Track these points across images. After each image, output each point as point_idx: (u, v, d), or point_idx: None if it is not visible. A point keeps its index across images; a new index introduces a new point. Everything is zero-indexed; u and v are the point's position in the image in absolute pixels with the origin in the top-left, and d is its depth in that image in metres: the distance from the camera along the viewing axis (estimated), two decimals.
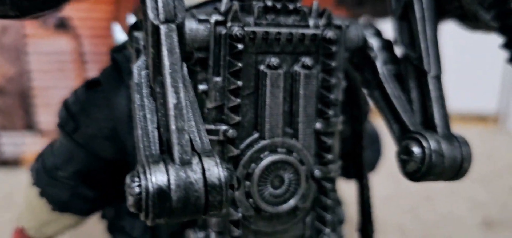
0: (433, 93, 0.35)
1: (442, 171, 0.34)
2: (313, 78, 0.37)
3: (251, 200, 0.37)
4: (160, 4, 0.28)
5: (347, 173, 0.52)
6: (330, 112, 0.38)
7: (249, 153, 0.36)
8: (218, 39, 0.34)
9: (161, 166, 0.26)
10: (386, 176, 1.14)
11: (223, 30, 0.34)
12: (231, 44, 0.34)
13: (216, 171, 0.27)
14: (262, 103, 0.36)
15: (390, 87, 0.38)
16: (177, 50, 0.28)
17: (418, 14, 0.36)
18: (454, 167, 0.34)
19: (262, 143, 0.36)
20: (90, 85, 0.42)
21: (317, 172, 0.38)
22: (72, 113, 0.41)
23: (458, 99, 1.63)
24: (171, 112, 0.27)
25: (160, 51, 0.28)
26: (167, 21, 0.28)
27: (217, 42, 0.34)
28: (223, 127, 0.35)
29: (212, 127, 0.35)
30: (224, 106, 0.35)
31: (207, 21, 0.34)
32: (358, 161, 0.46)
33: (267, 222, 0.38)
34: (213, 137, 0.35)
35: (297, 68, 0.37)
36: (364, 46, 0.40)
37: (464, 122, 1.58)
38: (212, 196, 0.27)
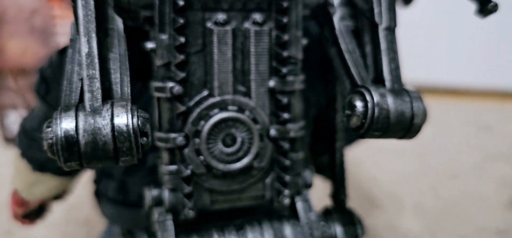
0: (383, 46, 0.33)
1: (388, 127, 0.32)
2: (265, 35, 0.36)
3: (201, 157, 0.36)
4: None
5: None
6: (285, 70, 0.37)
7: (198, 110, 0.36)
8: None
9: (72, 113, 0.27)
10: (410, 154, 1.10)
11: None
12: (175, 1, 0.34)
13: (124, 117, 0.27)
14: (210, 60, 0.36)
15: (345, 43, 0.36)
16: (92, 2, 0.28)
17: None
18: (403, 123, 0.32)
19: (212, 100, 0.36)
20: (62, 51, 0.43)
21: (272, 131, 0.38)
22: (45, 78, 0.43)
23: (493, 76, 1.55)
24: (83, 61, 0.28)
25: (76, 3, 0.28)
26: None
27: (161, 0, 0.34)
28: (170, 84, 0.35)
29: (160, 84, 0.35)
30: (171, 64, 0.35)
31: None
32: (331, 124, 0.44)
33: (221, 180, 0.38)
34: (162, 95, 0.35)
35: (247, 25, 0.36)
36: (325, 2, 0.38)
37: (499, 98, 1.50)
38: (119, 142, 0.27)
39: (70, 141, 0.26)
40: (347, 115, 0.33)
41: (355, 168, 1.07)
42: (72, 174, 0.48)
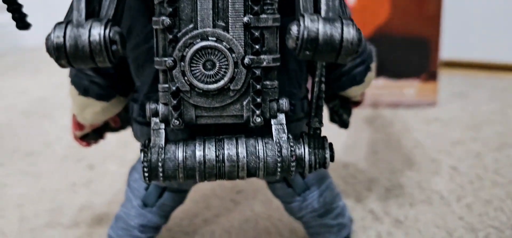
0: None
1: (317, 47, 0.38)
2: None
3: (185, 78, 0.45)
4: None
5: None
6: (257, 8, 0.44)
7: (184, 39, 0.44)
8: None
9: (62, 25, 0.37)
10: (463, 125, 1.09)
11: None
12: None
13: (98, 29, 0.37)
14: (195, 0, 0.44)
15: None
16: None
17: None
18: (332, 45, 0.38)
19: (195, 32, 0.44)
20: None
21: (246, 60, 0.45)
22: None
23: None
24: None
25: None
26: None
27: None
28: (162, 18, 0.44)
29: (156, 18, 0.44)
30: (163, 2, 0.44)
31: None
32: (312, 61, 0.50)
33: (203, 98, 0.46)
34: (157, 27, 0.44)
35: None
36: None
37: None
38: (93, 46, 0.36)
39: (59, 45, 0.37)
40: (286, 38, 0.39)
41: (403, 133, 1.09)
42: (108, 99, 0.59)
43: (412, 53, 1.21)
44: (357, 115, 1.22)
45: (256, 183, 0.89)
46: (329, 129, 1.08)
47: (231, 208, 0.83)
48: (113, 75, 0.56)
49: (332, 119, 0.67)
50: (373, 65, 0.60)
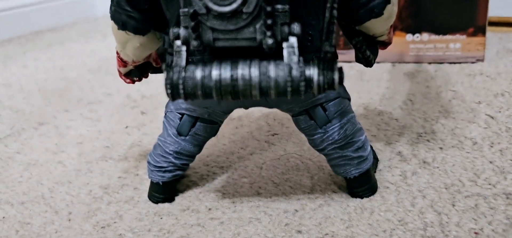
0: None
1: None
2: None
3: (202, 1, 0.47)
4: None
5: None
6: None
7: None
8: None
9: None
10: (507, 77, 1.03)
11: None
12: None
13: None
14: None
15: None
16: None
17: None
18: None
19: None
20: None
21: None
22: None
23: None
24: None
25: None
26: None
27: None
28: None
29: None
30: None
31: None
32: None
33: (219, 20, 0.48)
34: None
35: None
36: None
37: None
38: None
39: None
40: None
41: (444, 86, 1.06)
42: (144, 33, 0.63)
43: (458, 6, 1.16)
44: (399, 69, 1.20)
45: (291, 127, 0.91)
46: (367, 82, 1.08)
47: (265, 148, 0.85)
48: (147, 10, 0.60)
49: (357, 58, 0.67)
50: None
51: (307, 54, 0.53)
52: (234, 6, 0.47)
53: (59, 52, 1.70)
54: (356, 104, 0.99)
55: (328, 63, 0.50)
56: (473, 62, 1.18)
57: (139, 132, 0.97)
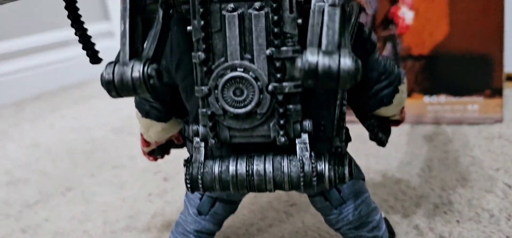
0: (325, 18, 0.43)
1: (318, 77, 0.42)
2: (262, 17, 0.49)
3: (219, 103, 0.51)
4: None
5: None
6: (277, 42, 0.49)
7: (217, 70, 0.51)
8: None
9: (112, 65, 0.45)
10: None
11: None
12: None
13: (138, 67, 0.44)
14: (224, 36, 0.50)
15: (312, 18, 0.46)
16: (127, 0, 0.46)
17: None
18: (330, 75, 0.41)
19: (226, 64, 0.50)
20: None
21: (270, 87, 0.50)
22: None
23: None
24: (121, 33, 0.45)
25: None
26: None
27: None
28: (199, 53, 0.51)
29: (195, 54, 0.51)
30: (200, 39, 0.51)
31: None
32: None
33: (235, 120, 0.52)
34: (196, 60, 0.51)
35: (250, 10, 0.49)
36: None
37: None
38: (134, 80, 0.44)
39: (109, 80, 0.45)
40: (299, 70, 0.44)
41: (462, 150, 1.06)
42: (167, 119, 0.67)
43: (474, 69, 1.18)
44: (417, 131, 1.21)
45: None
46: (388, 146, 1.09)
47: (284, 219, 0.87)
48: (169, 101, 0.64)
49: (371, 138, 0.70)
50: (403, 87, 0.62)
51: (320, 143, 0.56)
52: (248, 108, 0.51)
53: (85, 109, 1.77)
54: (374, 170, 1.01)
55: (339, 158, 0.53)
56: (491, 123, 1.19)
57: (161, 200, 1.01)
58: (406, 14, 1.18)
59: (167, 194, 1.03)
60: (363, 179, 0.68)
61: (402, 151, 1.10)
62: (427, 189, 0.91)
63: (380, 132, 0.68)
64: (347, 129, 0.65)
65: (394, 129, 1.24)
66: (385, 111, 0.64)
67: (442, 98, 1.22)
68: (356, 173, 0.67)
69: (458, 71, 1.19)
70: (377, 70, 0.60)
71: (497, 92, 1.18)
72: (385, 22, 1.20)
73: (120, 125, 1.55)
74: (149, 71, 0.45)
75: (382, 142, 0.69)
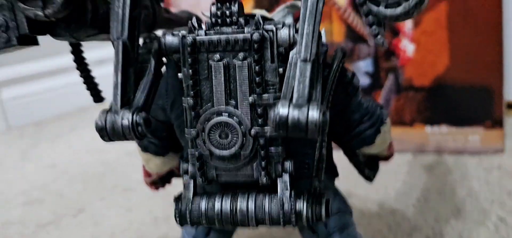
0: (297, 73, 0.47)
1: (288, 129, 0.45)
2: (245, 67, 0.53)
3: (206, 145, 0.55)
4: (113, 27, 0.51)
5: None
6: (258, 90, 0.53)
7: (204, 114, 0.55)
8: (184, 45, 0.55)
9: (104, 112, 0.50)
10: None
11: (186, 40, 0.54)
12: (190, 48, 0.54)
13: (128, 115, 0.49)
14: (211, 84, 0.55)
15: (289, 70, 0.50)
16: (120, 54, 0.51)
17: (302, 11, 0.49)
18: (298, 127, 0.45)
19: (212, 109, 0.55)
20: None
21: (253, 131, 0.54)
22: None
23: None
24: (113, 84, 0.50)
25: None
26: (117, 38, 0.51)
27: (183, 47, 0.55)
28: (188, 98, 0.55)
29: (184, 98, 0.56)
30: (189, 86, 0.55)
31: (178, 35, 0.55)
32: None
33: (220, 161, 0.56)
34: (185, 105, 0.56)
35: (234, 60, 0.54)
36: (293, 42, 0.53)
37: None
38: (124, 128, 0.49)
39: (101, 127, 0.50)
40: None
41: (460, 181, 1.08)
42: (164, 154, 0.71)
43: (475, 100, 1.19)
44: (419, 160, 1.23)
45: None
46: (386, 174, 1.12)
47: None
48: (166, 137, 0.69)
49: (359, 173, 0.73)
50: (385, 127, 0.66)
51: (302, 180, 0.60)
52: (233, 150, 0.55)
53: None
54: (372, 200, 1.04)
55: (317, 198, 0.57)
56: (493, 154, 1.21)
57: (167, 225, 1.05)
58: (407, 47, 1.21)
59: (172, 219, 1.08)
60: (350, 213, 0.71)
61: (401, 180, 1.12)
62: (421, 220, 0.93)
63: (366, 169, 0.71)
64: (334, 166, 0.69)
65: (395, 158, 1.27)
66: (369, 150, 0.67)
67: (444, 128, 1.24)
68: (343, 208, 0.70)
69: (459, 102, 1.21)
70: (359, 111, 0.64)
71: (498, 123, 1.19)
72: (387, 54, 1.23)
73: (133, 147, 1.60)
74: (137, 119, 0.49)
75: (368, 178, 0.72)
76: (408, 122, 1.28)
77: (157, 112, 0.66)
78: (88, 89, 0.66)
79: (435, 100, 1.23)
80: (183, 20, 0.88)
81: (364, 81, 1.27)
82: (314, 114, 0.46)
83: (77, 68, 0.65)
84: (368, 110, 0.64)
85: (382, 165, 1.22)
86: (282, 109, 0.46)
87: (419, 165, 1.20)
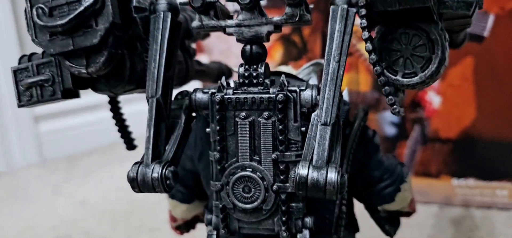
0: (317, 136, 0.50)
1: (307, 189, 0.48)
2: (269, 125, 0.56)
3: (229, 198, 0.58)
4: (148, 86, 0.56)
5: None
6: (281, 148, 0.56)
7: (229, 169, 0.58)
8: (212, 103, 0.58)
9: (136, 165, 0.54)
10: None
11: (215, 97, 0.58)
12: (219, 105, 0.58)
13: (158, 169, 0.52)
14: (237, 140, 0.58)
15: (310, 131, 0.53)
16: (154, 111, 0.55)
17: (323, 77, 0.52)
18: (317, 188, 0.48)
19: (237, 164, 0.58)
20: None
21: (275, 186, 0.57)
22: None
23: None
24: (146, 138, 0.54)
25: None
26: (151, 96, 0.55)
27: (212, 104, 0.59)
28: (214, 153, 0.59)
29: (211, 152, 0.59)
30: (216, 141, 0.59)
31: (207, 93, 0.59)
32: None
33: (243, 214, 0.58)
34: (212, 158, 0.59)
35: (259, 119, 0.57)
36: (315, 103, 0.56)
37: None
38: (154, 181, 0.52)
39: (133, 178, 0.53)
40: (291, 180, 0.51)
41: (485, 236, 1.07)
42: (190, 201, 0.75)
43: (502, 155, 1.19)
44: (445, 213, 1.22)
45: None
46: (412, 227, 1.11)
47: None
48: (193, 186, 0.72)
49: (380, 228, 0.74)
50: (405, 185, 0.67)
51: (323, 235, 0.61)
52: (255, 204, 0.57)
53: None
54: None
55: None
56: None
57: None
58: (433, 99, 1.22)
59: None
60: None
61: (426, 234, 1.12)
62: None
63: (387, 224, 0.72)
64: (355, 220, 0.70)
65: (421, 210, 1.27)
66: (389, 207, 0.68)
67: (471, 181, 1.23)
68: None
69: (487, 156, 1.20)
70: (380, 169, 0.66)
71: None
72: (413, 105, 1.25)
73: None
74: (166, 173, 0.53)
75: (388, 234, 0.73)
76: (434, 174, 1.27)
77: (185, 161, 0.70)
78: (122, 137, 0.70)
79: (462, 153, 1.23)
80: (214, 70, 0.93)
81: (390, 131, 1.28)
82: (332, 176, 0.48)
83: (113, 118, 0.69)
84: (388, 168, 0.66)
85: (408, 218, 1.21)
86: (302, 170, 0.49)
87: (446, 218, 1.19)
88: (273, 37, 0.62)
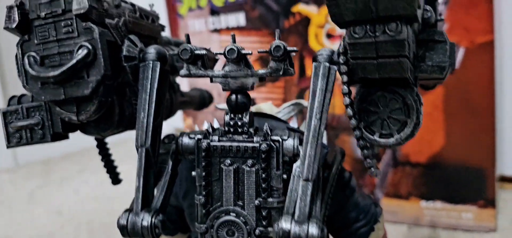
0: (299, 191, 0.53)
1: None
2: (253, 173, 0.59)
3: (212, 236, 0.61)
4: (137, 135, 0.58)
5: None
6: (264, 195, 0.59)
7: (213, 212, 0.61)
8: (199, 149, 0.61)
9: (127, 213, 0.56)
10: None
11: (201, 144, 0.60)
12: (205, 152, 0.60)
13: (147, 218, 0.54)
14: (222, 185, 0.60)
15: (292, 183, 0.56)
16: (143, 160, 0.57)
17: (305, 132, 0.55)
18: None
19: (221, 208, 0.60)
20: None
21: (257, 231, 0.60)
22: None
23: None
24: (136, 187, 0.56)
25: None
26: (140, 146, 0.57)
27: (198, 150, 0.61)
28: (199, 197, 0.61)
29: (197, 196, 0.62)
30: (201, 185, 0.61)
31: (194, 138, 0.61)
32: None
33: None
34: (197, 202, 0.62)
35: (243, 166, 0.60)
36: (297, 153, 0.59)
37: None
38: (143, 229, 0.54)
39: (123, 226, 0.55)
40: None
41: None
42: (173, 234, 0.77)
43: (468, 180, 1.25)
44: (413, 233, 1.28)
45: None
46: None
47: None
48: (176, 220, 0.75)
49: None
50: (379, 225, 0.71)
51: None
52: None
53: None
54: None
55: None
56: (486, 232, 1.25)
57: None
58: None
59: None
60: None
61: None
62: None
63: None
64: None
65: (391, 229, 1.31)
66: None
67: (438, 204, 1.29)
68: None
69: (453, 180, 1.26)
70: (356, 210, 0.69)
71: (490, 203, 1.24)
72: None
73: None
74: (155, 222, 0.55)
75: None
76: (404, 196, 1.32)
77: (171, 197, 0.72)
78: (107, 172, 0.72)
79: (431, 176, 1.28)
80: (196, 98, 0.95)
81: None
82: (313, 231, 0.51)
83: (100, 155, 0.71)
84: (363, 209, 0.70)
85: None
86: (285, 224, 0.52)
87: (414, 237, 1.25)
88: (252, 57, 0.65)
